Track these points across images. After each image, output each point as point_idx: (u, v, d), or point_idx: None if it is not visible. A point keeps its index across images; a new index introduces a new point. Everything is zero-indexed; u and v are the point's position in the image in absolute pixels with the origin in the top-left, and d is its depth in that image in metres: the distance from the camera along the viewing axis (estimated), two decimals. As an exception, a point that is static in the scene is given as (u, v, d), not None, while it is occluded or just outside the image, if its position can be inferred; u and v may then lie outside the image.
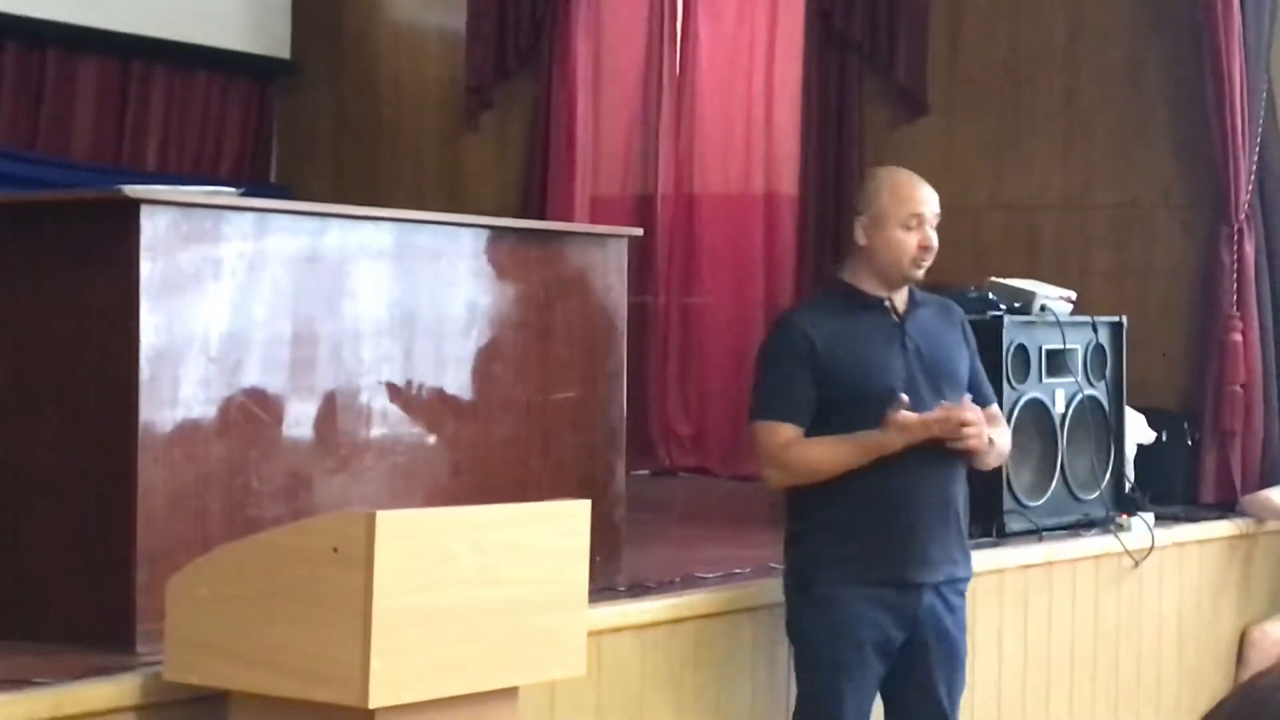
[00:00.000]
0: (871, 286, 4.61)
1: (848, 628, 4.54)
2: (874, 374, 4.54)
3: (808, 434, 4.53)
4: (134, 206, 4.09)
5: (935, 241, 4.59)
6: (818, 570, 4.58)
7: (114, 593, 4.10)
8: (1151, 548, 6.24)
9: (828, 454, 4.51)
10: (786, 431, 4.53)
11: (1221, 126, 6.98)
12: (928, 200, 4.60)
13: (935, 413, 4.47)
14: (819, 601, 4.57)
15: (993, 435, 4.60)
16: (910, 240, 4.55)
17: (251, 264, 4.31)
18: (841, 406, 4.51)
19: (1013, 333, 6.19)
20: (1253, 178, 7.06)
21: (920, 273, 4.61)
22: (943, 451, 4.51)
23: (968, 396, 4.59)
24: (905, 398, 4.44)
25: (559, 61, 8.51)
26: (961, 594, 4.69)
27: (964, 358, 4.73)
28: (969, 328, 4.81)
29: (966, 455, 4.58)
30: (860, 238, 4.60)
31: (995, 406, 4.84)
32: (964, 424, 4.47)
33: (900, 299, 4.63)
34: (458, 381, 4.77)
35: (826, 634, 4.56)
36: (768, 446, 4.55)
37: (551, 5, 8.52)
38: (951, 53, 7.84)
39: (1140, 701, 6.31)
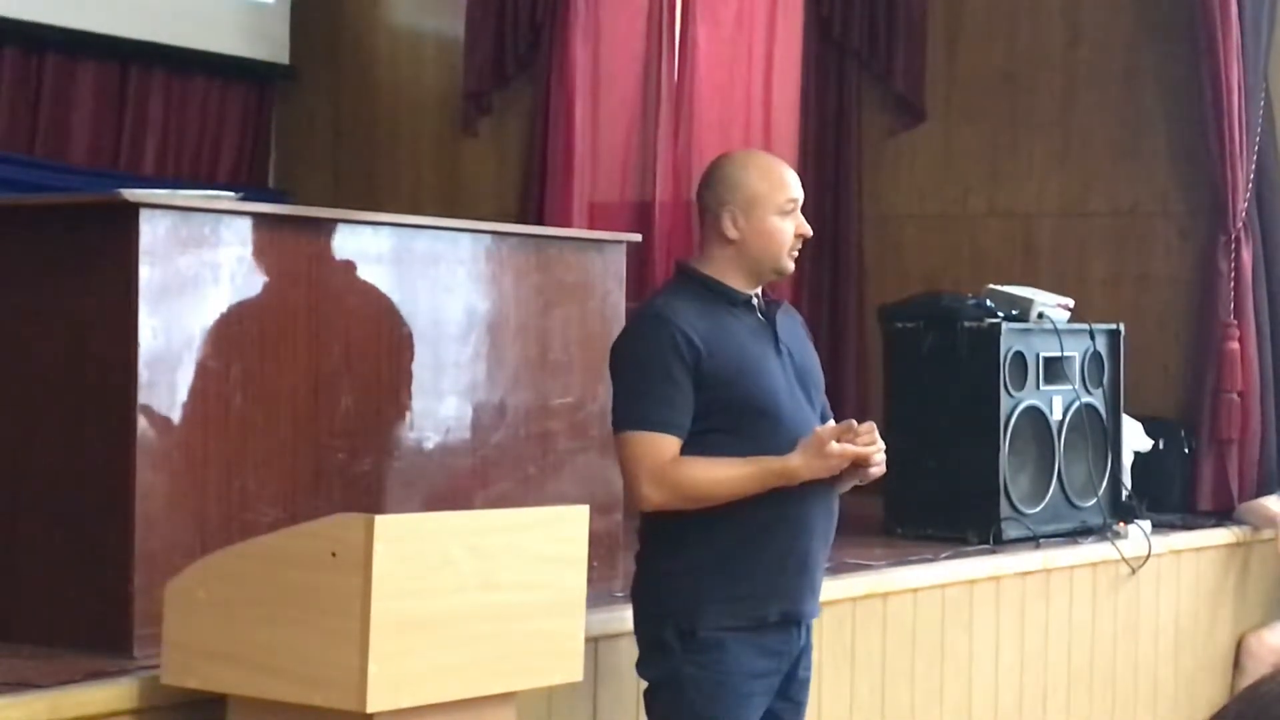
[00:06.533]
0: (737, 282, 4.10)
1: (736, 681, 3.99)
2: (760, 383, 4.02)
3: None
4: (133, 210, 4.09)
5: (809, 229, 4.16)
6: (702, 612, 3.98)
7: (112, 596, 4.09)
8: (1148, 555, 6.24)
9: (724, 477, 3.93)
10: (671, 445, 3.94)
11: (1219, 134, 6.99)
12: (798, 183, 4.16)
13: (861, 436, 3.95)
14: (704, 649, 3.98)
15: None
16: (787, 228, 4.08)
17: (250, 268, 4.31)
18: (721, 421, 3.97)
19: (1010, 340, 6.20)
20: (1250, 186, 7.06)
21: (792, 264, 4.15)
22: None
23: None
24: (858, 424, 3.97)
25: (557, 67, 8.51)
26: (810, 630, 4.18)
27: (819, 364, 4.26)
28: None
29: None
30: (729, 230, 4.06)
31: None
32: (875, 446, 3.98)
33: (756, 296, 4.14)
34: (455, 386, 4.77)
35: (712, 689, 3.98)
36: (649, 462, 3.93)
37: (550, 11, 8.52)
38: (949, 60, 7.85)
39: (1137, 709, 6.31)
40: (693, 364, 3.95)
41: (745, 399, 4.00)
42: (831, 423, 4.06)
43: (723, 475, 3.94)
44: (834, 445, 3.92)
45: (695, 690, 4.00)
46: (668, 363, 3.95)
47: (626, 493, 4.03)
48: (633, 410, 4.00)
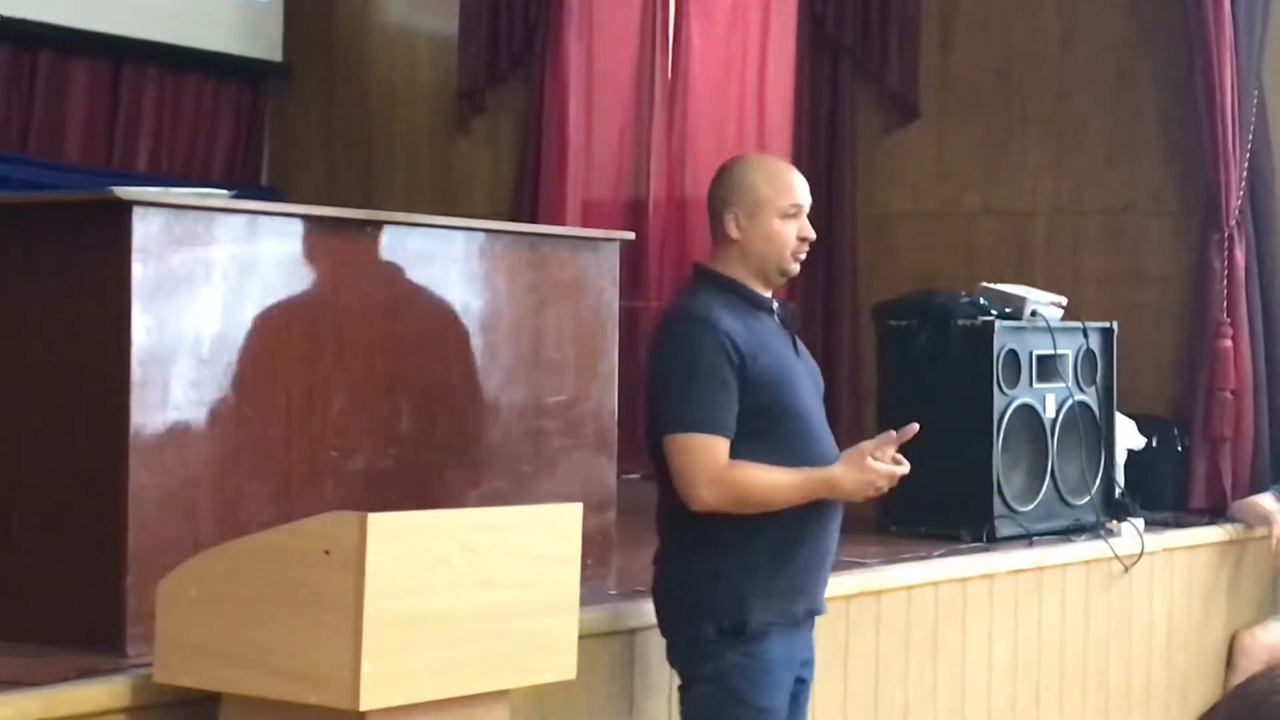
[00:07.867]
0: (751, 284, 4.21)
1: (777, 672, 4.15)
2: (794, 389, 4.15)
3: None
4: (126, 208, 4.08)
5: (813, 233, 4.24)
6: (749, 608, 4.11)
7: (105, 594, 4.09)
8: (1141, 553, 6.24)
9: (778, 484, 4.06)
10: (725, 448, 4.04)
11: (1213, 132, 7.00)
12: (804, 188, 4.23)
13: (894, 455, 4.17)
14: (751, 641, 4.11)
15: None
16: (790, 231, 4.17)
17: (243, 266, 4.30)
18: (756, 424, 4.07)
19: (1004, 338, 6.20)
20: (1243, 184, 7.07)
21: (797, 267, 4.24)
22: None
23: None
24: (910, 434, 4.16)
25: (551, 65, 8.51)
26: None
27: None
28: None
29: None
30: (732, 231, 4.16)
31: None
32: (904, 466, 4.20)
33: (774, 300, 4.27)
34: (448, 384, 4.76)
35: (758, 679, 4.12)
36: (706, 464, 4.02)
37: (543, 9, 8.52)
38: (943, 58, 7.85)
39: (1130, 707, 6.32)
40: (739, 368, 4.05)
41: (783, 405, 4.12)
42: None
43: (777, 482, 4.07)
44: (871, 461, 4.10)
45: (742, 679, 4.12)
46: (718, 366, 4.04)
47: (679, 493, 4.09)
48: (686, 412, 4.06)
